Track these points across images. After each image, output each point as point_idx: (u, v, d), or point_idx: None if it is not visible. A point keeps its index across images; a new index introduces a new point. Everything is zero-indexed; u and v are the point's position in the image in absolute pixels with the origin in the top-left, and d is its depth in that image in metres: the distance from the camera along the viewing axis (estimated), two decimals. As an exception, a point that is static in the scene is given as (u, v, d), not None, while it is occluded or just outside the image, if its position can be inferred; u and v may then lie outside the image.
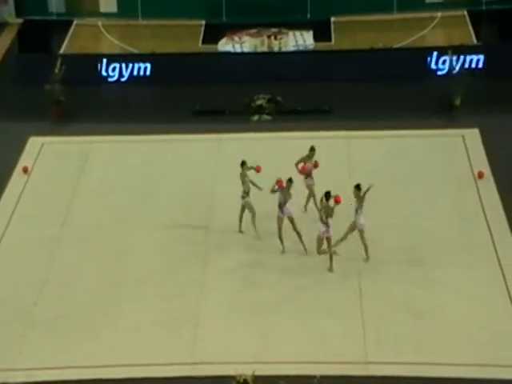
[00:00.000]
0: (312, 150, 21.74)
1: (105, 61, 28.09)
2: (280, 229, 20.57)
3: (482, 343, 18.15)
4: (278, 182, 20.59)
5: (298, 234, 20.56)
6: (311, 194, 21.88)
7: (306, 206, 21.89)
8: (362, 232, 20.25)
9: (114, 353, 18.21)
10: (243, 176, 21.29)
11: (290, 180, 20.57)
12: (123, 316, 19.14)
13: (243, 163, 21.37)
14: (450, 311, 18.99)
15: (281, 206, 20.50)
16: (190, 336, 18.56)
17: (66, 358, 18.10)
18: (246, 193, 21.22)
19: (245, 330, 18.74)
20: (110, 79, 28.05)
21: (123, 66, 28.08)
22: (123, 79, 28.15)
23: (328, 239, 19.99)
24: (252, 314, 19.12)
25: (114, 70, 28.04)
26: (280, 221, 20.55)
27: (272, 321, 18.95)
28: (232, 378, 17.09)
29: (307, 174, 21.70)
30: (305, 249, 20.54)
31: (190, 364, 17.91)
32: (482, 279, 19.86)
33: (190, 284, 19.96)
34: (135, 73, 28.16)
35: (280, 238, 20.59)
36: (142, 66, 28.12)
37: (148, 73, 28.14)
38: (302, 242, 20.54)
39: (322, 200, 20.14)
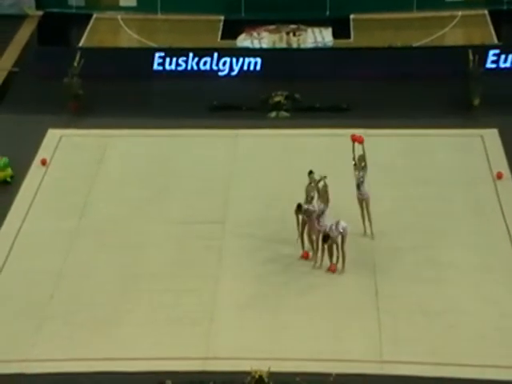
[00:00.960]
0: (359, 159, 20.79)
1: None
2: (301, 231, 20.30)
3: (498, 345, 18.05)
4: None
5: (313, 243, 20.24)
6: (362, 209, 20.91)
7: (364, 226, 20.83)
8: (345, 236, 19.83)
9: (129, 346, 18.22)
10: (312, 187, 20.21)
11: (310, 172, 20.26)
12: (138, 310, 19.15)
13: (311, 172, 20.41)
14: (466, 312, 18.91)
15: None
16: (205, 331, 18.55)
17: (81, 350, 18.13)
18: (308, 201, 20.26)
19: (260, 325, 18.71)
20: (220, 73, 27.98)
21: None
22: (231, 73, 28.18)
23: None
24: (267, 311, 19.09)
25: (224, 64, 27.99)
26: (302, 223, 20.20)
27: (287, 317, 18.92)
28: (246, 373, 17.09)
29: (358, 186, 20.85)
30: (316, 261, 20.26)
31: (204, 359, 17.91)
32: (498, 280, 19.75)
33: (204, 279, 19.95)
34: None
35: (301, 238, 20.34)
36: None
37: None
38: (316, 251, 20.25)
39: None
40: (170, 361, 17.85)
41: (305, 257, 20.34)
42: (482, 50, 27.30)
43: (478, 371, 17.44)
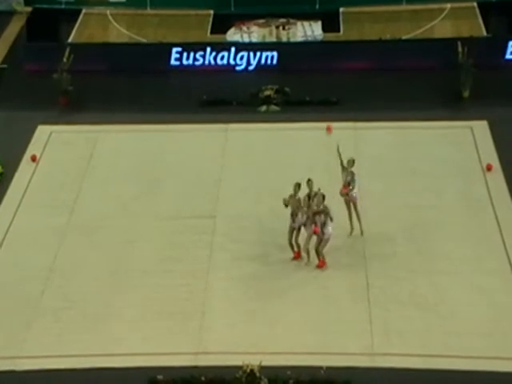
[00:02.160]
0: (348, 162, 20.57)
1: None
2: (289, 238, 20.16)
3: (490, 335, 18.10)
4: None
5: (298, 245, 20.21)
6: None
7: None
8: (327, 241, 19.74)
9: (120, 342, 18.21)
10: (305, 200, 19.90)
11: (297, 185, 19.90)
12: (129, 306, 19.14)
13: (309, 180, 19.92)
14: (457, 303, 18.94)
15: (293, 216, 20.01)
16: (196, 326, 18.55)
17: (72, 346, 18.10)
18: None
19: (251, 320, 18.72)
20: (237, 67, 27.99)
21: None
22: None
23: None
24: (258, 305, 19.10)
25: (242, 58, 27.99)
26: (290, 230, 20.10)
27: (278, 311, 18.93)
28: (238, 368, 17.11)
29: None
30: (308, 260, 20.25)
31: (195, 354, 17.91)
32: (489, 271, 19.80)
33: (195, 274, 19.93)
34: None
35: (290, 244, 20.26)
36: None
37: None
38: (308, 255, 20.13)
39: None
40: (161, 356, 17.85)
41: (296, 257, 20.28)
42: (472, 42, 27.21)
43: (470, 362, 17.46)
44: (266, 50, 27.98)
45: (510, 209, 21.63)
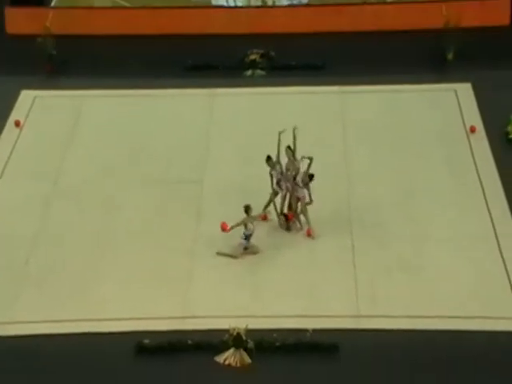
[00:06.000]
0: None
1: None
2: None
3: (474, 296, 18.28)
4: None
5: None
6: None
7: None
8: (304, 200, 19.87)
9: (106, 307, 18.25)
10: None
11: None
12: (114, 270, 19.17)
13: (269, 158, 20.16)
14: (443, 267, 19.06)
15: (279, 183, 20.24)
16: (183, 290, 18.63)
17: (58, 312, 18.14)
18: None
19: (237, 284, 18.82)
20: None
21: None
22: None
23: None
24: (245, 269, 19.20)
25: None
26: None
27: (265, 275, 19.04)
28: (225, 331, 17.24)
29: None
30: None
31: (182, 318, 18.01)
32: (473, 235, 19.92)
33: (182, 238, 19.98)
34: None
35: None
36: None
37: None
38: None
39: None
40: (147, 320, 17.91)
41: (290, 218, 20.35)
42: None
43: (454, 322, 17.63)
44: None
45: (494, 172, 21.71)
